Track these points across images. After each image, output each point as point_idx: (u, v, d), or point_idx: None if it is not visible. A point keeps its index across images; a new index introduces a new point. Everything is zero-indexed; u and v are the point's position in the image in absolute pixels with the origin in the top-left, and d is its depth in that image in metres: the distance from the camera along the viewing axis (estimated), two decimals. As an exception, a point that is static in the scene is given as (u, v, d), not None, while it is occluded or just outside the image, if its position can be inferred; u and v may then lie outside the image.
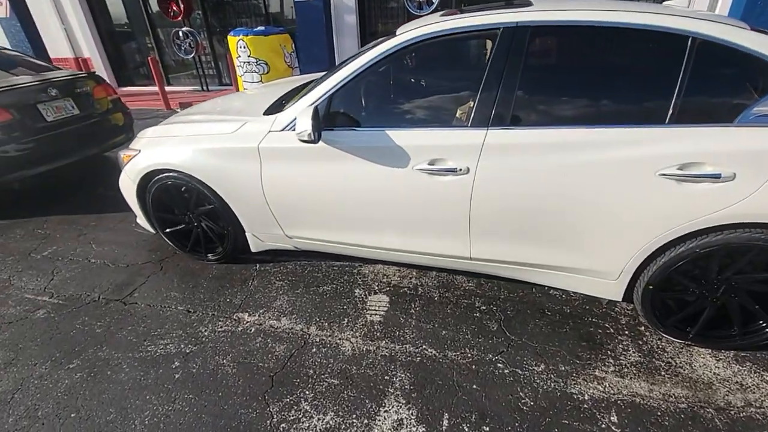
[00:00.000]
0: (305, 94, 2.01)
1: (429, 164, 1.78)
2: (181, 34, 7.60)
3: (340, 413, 1.60)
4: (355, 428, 1.54)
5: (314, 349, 1.91)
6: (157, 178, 2.32)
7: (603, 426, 1.51)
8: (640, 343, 1.86)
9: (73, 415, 1.65)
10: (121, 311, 2.21)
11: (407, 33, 1.80)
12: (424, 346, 1.89)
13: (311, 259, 2.55)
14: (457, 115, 1.87)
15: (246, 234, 2.38)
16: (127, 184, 2.45)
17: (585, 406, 1.59)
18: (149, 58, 6.86)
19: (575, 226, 1.72)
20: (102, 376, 1.82)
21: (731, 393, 1.61)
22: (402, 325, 2.02)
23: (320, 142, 1.86)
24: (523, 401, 1.62)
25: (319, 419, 1.58)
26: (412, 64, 2.12)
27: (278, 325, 2.07)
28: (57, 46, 8.90)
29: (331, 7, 6.30)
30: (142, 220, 2.62)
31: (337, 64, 2.90)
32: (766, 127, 1.43)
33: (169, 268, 2.57)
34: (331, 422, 1.57)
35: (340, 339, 1.96)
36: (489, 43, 1.76)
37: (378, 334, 1.98)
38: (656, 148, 1.52)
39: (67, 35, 8.83)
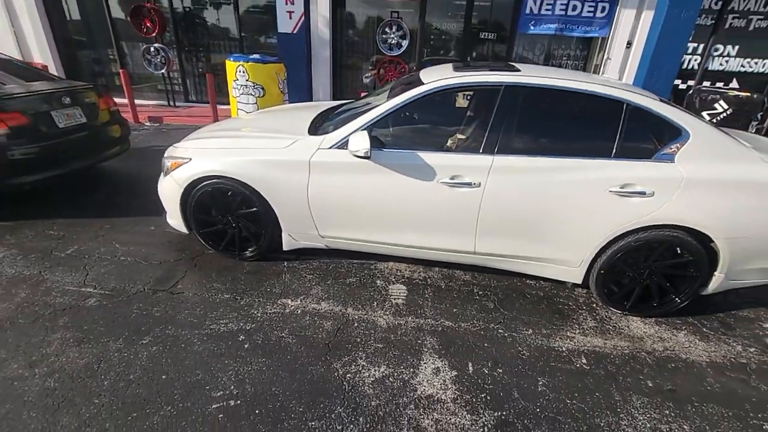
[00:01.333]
0: (349, 121, 2.54)
1: (450, 179, 2.38)
2: (152, 49, 7.68)
3: (390, 366, 2.07)
4: (405, 375, 2.02)
5: (356, 324, 2.35)
6: (205, 183, 2.66)
7: (577, 365, 2.14)
8: (594, 314, 2.56)
9: (163, 377, 1.92)
10: (172, 299, 2.47)
11: (435, 82, 2.43)
12: (441, 320, 2.43)
13: (333, 258, 2.98)
14: (466, 143, 2.51)
15: (282, 234, 2.77)
16: (172, 188, 2.73)
17: (563, 354, 2.22)
18: (120, 70, 6.87)
19: (551, 227, 2.41)
20: (177, 348, 2.10)
21: (655, 343, 2.35)
22: (421, 306, 2.54)
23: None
24: (521, 353, 2.21)
25: (375, 370, 2.03)
26: (434, 105, 2.76)
27: (319, 307, 2.48)
28: (3, 48, 8.40)
29: (312, 41, 6.90)
30: (176, 220, 2.87)
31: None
32: (669, 162, 2.25)
33: (202, 264, 2.85)
34: (385, 372, 2.03)
35: (374, 317, 2.42)
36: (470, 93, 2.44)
37: (404, 312, 2.48)
38: (606, 172, 2.27)
39: (17, 39, 8.40)
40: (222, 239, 2.86)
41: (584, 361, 2.18)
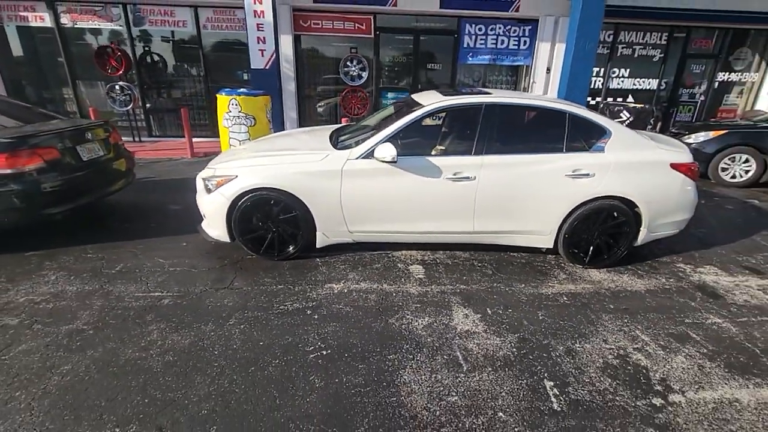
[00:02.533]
0: (368, 138, 3.22)
1: (453, 175, 3.14)
2: (117, 88, 7.80)
3: (431, 316, 2.70)
4: (444, 320, 2.67)
5: (393, 294, 2.97)
6: (251, 195, 3.15)
7: (561, 302, 2.94)
8: (564, 270, 3.41)
9: (260, 343, 2.39)
10: (235, 293, 2.91)
11: (435, 104, 3.22)
12: (457, 285, 3.12)
13: (356, 251, 3.57)
14: (461, 148, 3.29)
15: (316, 233, 3.32)
16: (219, 202, 3.18)
17: (550, 296, 3.01)
18: (90, 108, 6.95)
19: (528, 205, 3.25)
20: (261, 325, 2.56)
21: (609, 283, 3.23)
22: (438, 278, 3.22)
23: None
24: (521, 298, 2.96)
25: (422, 320, 2.66)
26: (434, 120, 3.52)
27: (360, 287, 3.06)
28: (-59, 91, 7.97)
29: (281, 76, 7.53)
30: (219, 231, 3.30)
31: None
32: (601, 152, 3.21)
33: (246, 267, 3.29)
34: (429, 320, 2.66)
35: (405, 288, 3.05)
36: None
37: (426, 283, 3.14)
38: (561, 162, 3.17)
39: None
40: (262, 244, 3.34)
41: (565, 298, 2.99)
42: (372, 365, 2.25)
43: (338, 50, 8.59)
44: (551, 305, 2.89)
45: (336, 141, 3.55)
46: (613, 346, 2.47)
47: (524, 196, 3.22)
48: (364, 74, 8.37)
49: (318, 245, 3.40)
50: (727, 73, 9.49)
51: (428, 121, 3.45)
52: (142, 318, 2.59)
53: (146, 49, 8.28)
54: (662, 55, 9.17)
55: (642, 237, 3.38)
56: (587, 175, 3.17)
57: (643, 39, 9.00)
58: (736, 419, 1.98)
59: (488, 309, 2.82)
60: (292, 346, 2.38)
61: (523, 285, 3.16)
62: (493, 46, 8.76)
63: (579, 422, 1.93)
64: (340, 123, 8.78)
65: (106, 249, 3.53)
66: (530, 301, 2.93)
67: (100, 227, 4.02)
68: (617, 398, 2.08)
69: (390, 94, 9.02)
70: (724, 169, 6.13)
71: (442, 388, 2.11)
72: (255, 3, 6.63)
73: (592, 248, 3.39)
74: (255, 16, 6.69)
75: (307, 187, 3.15)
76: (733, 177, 6.13)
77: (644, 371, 2.28)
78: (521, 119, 3.35)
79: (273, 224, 3.28)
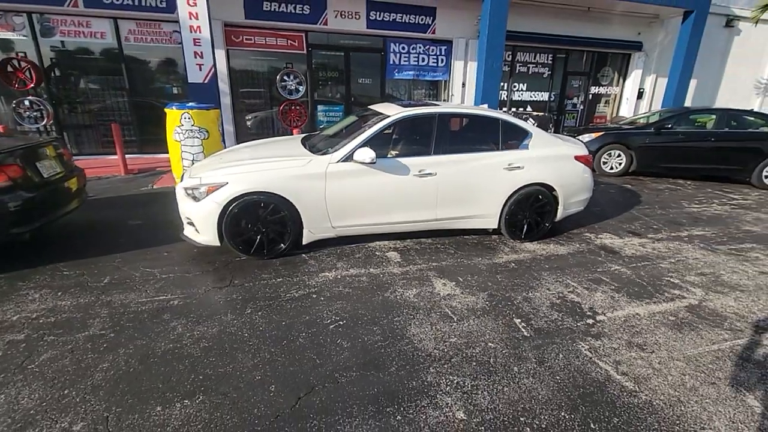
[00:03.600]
0: (344, 144, 3.70)
1: (419, 171, 3.78)
2: (27, 102, 7.10)
3: (417, 288, 3.27)
4: (428, 289, 3.25)
5: (380, 276, 3.48)
6: (242, 199, 3.42)
7: (510, 267, 3.72)
8: (507, 245, 4.25)
9: (283, 323, 2.73)
10: (240, 288, 3.16)
11: (399, 114, 3.83)
12: (429, 263, 3.74)
13: (336, 245, 4.00)
14: (421, 150, 3.94)
15: (303, 231, 3.69)
16: (211, 208, 3.39)
17: (501, 264, 3.78)
18: (1, 126, 6.27)
19: (477, 194, 4.02)
20: (276, 310, 2.89)
21: (541, 251, 4.13)
22: (413, 260, 3.80)
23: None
24: (481, 268, 3.68)
25: (411, 291, 3.21)
26: (399, 128, 4.09)
27: (351, 272, 3.51)
28: None
29: (219, 89, 7.55)
30: (208, 236, 3.48)
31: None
32: (526, 149, 4.12)
33: (239, 267, 3.53)
34: (416, 291, 3.22)
35: (390, 270, 3.58)
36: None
37: (404, 264, 3.70)
38: (500, 158, 4.01)
39: None
40: (251, 245, 3.60)
41: (513, 265, 3.78)
42: (384, 326, 2.74)
43: (273, 65, 8.84)
44: (504, 270, 3.65)
45: (311, 148, 3.97)
46: (554, 292, 3.29)
47: (474, 186, 3.99)
48: (302, 88, 8.73)
49: (304, 242, 3.76)
50: (597, 87, 11.77)
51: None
52: (158, 317, 2.74)
53: (54, 61, 7.65)
54: (550, 73, 11.06)
55: (560, 214, 4.36)
56: (519, 167, 4.04)
57: (534, 59, 10.78)
58: (638, 324, 2.87)
59: (459, 278, 3.48)
60: (311, 322, 2.76)
61: (480, 258, 3.89)
62: (416, 63, 9.77)
63: (543, 341, 2.65)
64: (281, 135, 9.01)
65: (82, 265, 3.47)
66: (489, 269, 3.66)
67: (64, 246, 3.86)
68: (564, 323, 2.86)
69: (323, 107, 9.50)
70: (604, 163, 7.75)
71: (443, 334, 2.68)
72: (191, 18, 6.65)
73: (525, 226, 4.27)
74: (191, 31, 6.70)
75: (295, 188, 3.53)
76: (611, 168, 7.77)
77: (578, 305, 3.11)
78: (466, 125, 4.13)
79: (262, 225, 3.57)
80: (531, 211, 4.23)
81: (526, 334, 2.72)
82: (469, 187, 3.99)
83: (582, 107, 11.77)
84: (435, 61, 9.89)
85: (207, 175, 3.52)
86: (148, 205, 5.20)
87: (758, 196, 6.73)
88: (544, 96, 11.20)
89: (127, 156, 7.35)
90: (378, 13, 8.95)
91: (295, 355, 2.42)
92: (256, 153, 4.09)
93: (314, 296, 3.10)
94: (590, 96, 11.74)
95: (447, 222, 4.11)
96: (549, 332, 2.75)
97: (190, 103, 5.48)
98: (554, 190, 4.21)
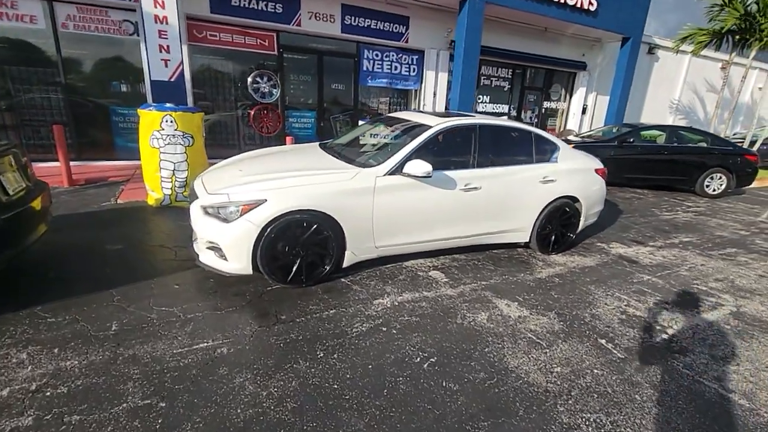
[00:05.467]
0: (389, 156, 3.37)
1: (465, 185, 3.57)
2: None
3: (483, 310, 3.05)
4: (496, 313, 3.04)
5: (440, 299, 3.19)
6: (282, 220, 2.92)
7: (557, 282, 3.65)
8: (538, 259, 4.20)
9: (369, 366, 2.32)
10: (292, 327, 2.66)
11: (441, 125, 3.59)
12: (479, 282, 3.54)
13: (372, 267, 3.61)
14: (465, 162, 3.74)
15: (345, 252, 3.27)
16: (247, 230, 2.84)
17: (546, 279, 3.70)
18: None
19: (516, 207, 3.92)
20: (352, 350, 2.46)
21: (570, 263, 4.14)
22: (460, 279, 3.57)
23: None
24: (530, 285, 3.57)
25: (480, 316, 2.97)
26: (440, 139, 3.81)
27: (405, 298, 3.17)
28: None
29: (186, 89, 6.67)
30: (241, 263, 2.92)
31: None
32: (555, 162, 4.13)
33: (276, 298, 3.00)
34: (484, 314, 3.00)
35: (444, 292, 3.31)
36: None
37: (455, 284, 3.45)
38: (536, 171, 3.96)
39: None
40: (288, 271, 3.09)
41: (557, 279, 3.73)
42: (480, 361, 2.46)
43: (241, 66, 8.07)
44: (553, 286, 3.58)
45: (344, 158, 3.57)
46: (612, 307, 3.27)
47: (514, 200, 3.88)
48: (275, 91, 8.08)
49: (345, 264, 3.34)
50: (549, 102, 12.62)
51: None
52: (213, 373, 2.17)
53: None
54: (509, 86, 11.60)
55: (581, 225, 4.44)
56: (552, 180, 4.02)
57: (497, 73, 11.23)
58: (706, 335, 2.94)
59: (518, 296, 3.32)
60: (400, 362, 2.39)
61: (522, 274, 3.78)
62: (389, 71, 9.61)
63: (640, 362, 2.57)
64: (244, 142, 8.25)
65: (71, 308, 2.69)
66: (538, 286, 3.56)
67: (35, 283, 2.99)
68: (644, 340, 2.82)
69: (295, 113, 8.91)
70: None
71: (543, 364, 2.48)
72: (155, 6, 5.76)
73: (553, 238, 4.27)
74: (156, 22, 5.80)
75: (341, 205, 3.11)
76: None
77: (643, 319, 3.11)
78: (503, 137, 4.02)
79: (302, 249, 3.09)
80: (558, 223, 4.24)
81: (620, 355, 2.63)
82: (510, 201, 3.87)
83: (536, 120, 12.51)
84: (407, 70, 9.82)
85: (237, 191, 2.96)
86: (120, 224, 4.32)
87: (706, 203, 7.59)
88: (504, 108, 11.70)
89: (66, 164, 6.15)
90: (353, 17, 8.64)
91: (407, 408, 2.05)
92: (281, 163, 3.57)
93: (384, 329, 2.72)
94: (543, 110, 12.54)
95: (485, 237, 3.95)
96: (638, 352, 2.68)
97: (168, 105, 4.70)
98: (579, 201, 4.27)
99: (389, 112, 10.16)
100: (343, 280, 3.38)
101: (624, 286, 3.68)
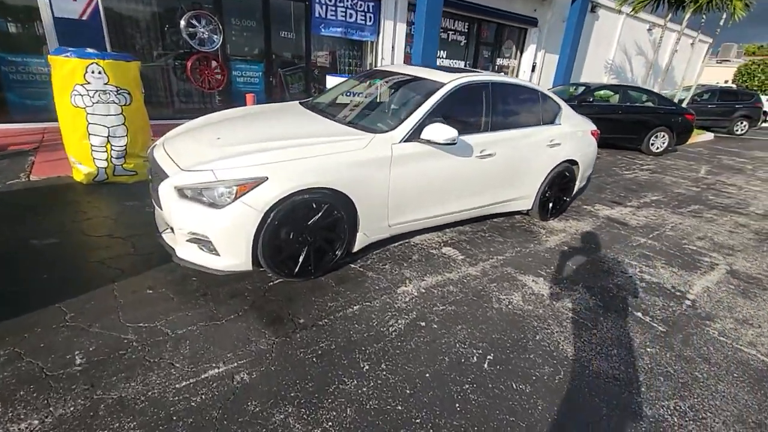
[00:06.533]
0: (405, 118, 2.86)
1: (480, 152, 3.20)
2: None
3: (514, 291, 2.81)
4: (528, 292, 2.82)
5: (465, 281, 2.88)
6: (288, 201, 2.34)
7: (566, 250, 3.54)
8: (540, 226, 4.06)
9: (426, 375, 1.97)
10: (319, 332, 2.19)
11: (455, 80, 3.12)
12: (495, 257, 3.29)
13: (379, 248, 3.18)
14: (480, 125, 3.33)
15: (357, 234, 2.79)
16: (246, 216, 2.23)
17: (555, 248, 3.57)
18: None
19: (526, 173, 3.67)
20: (397, 352, 2.08)
21: (571, 229, 4.06)
22: (475, 255, 3.29)
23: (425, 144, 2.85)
24: (546, 256, 3.40)
25: (514, 297, 2.74)
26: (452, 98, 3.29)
27: (429, 282, 2.82)
28: None
29: (103, 31, 5.31)
30: (238, 258, 2.32)
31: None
32: (559, 125, 3.90)
33: (286, 296, 2.48)
34: (517, 295, 2.77)
35: (466, 272, 3.00)
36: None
37: (473, 261, 3.17)
38: (544, 134, 3.70)
39: None
40: (294, 264, 2.56)
41: (566, 247, 3.60)
42: (537, 352, 2.23)
43: (170, 5, 6.63)
44: (565, 255, 3.45)
45: (350, 123, 2.98)
46: (630, 275, 3.23)
47: (525, 166, 3.62)
48: (217, 38, 6.81)
49: (356, 248, 2.87)
50: (501, 59, 12.47)
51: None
52: (242, 413, 1.67)
53: None
54: (465, 41, 11.18)
55: (575, 189, 4.35)
56: (558, 144, 3.80)
57: (453, 26, 10.71)
58: (721, 298, 3.01)
59: (539, 271, 3.13)
60: (457, 364, 2.07)
61: (532, 245, 3.60)
62: (343, 18, 8.63)
63: (681, 334, 2.53)
64: (179, 97, 7.04)
65: (4, 338, 1.94)
66: (553, 257, 3.40)
67: None
68: (674, 310, 2.80)
69: (240, 65, 7.71)
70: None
71: (599, 348, 2.32)
72: None
73: (551, 203, 4.14)
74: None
75: (355, 180, 2.59)
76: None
77: (661, 286, 3.10)
78: (513, 97, 3.65)
79: (309, 234, 2.55)
80: (557, 188, 4.10)
81: (661, 329, 2.56)
82: (521, 168, 3.60)
83: (490, 78, 12.36)
84: (363, 18, 8.90)
85: (225, 166, 2.29)
86: (44, 209, 3.34)
87: (653, 161, 8.10)
88: (461, 64, 11.33)
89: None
90: (303, -48, 7.46)
91: (490, 424, 1.75)
92: (268, 129, 2.88)
93: (422, 324, 2.36)
94: (497, 67, 12.39)
95: (493, 207, 3.67)
96: (675, 323, 2.64)
97: (90, 50, 3.60)
98: (577, 165, 4.14)
99: (346, 67, 9.32)
100: (353, 266, 2.92)
101: (628, 251, 3.68)
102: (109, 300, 2.29)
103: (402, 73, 3.52)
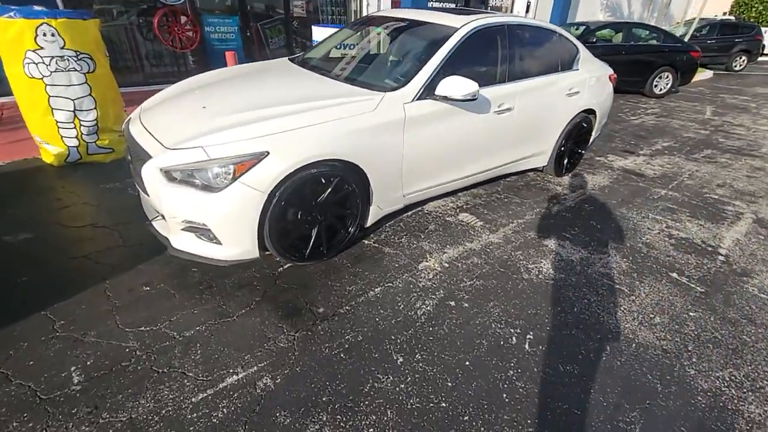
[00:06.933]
0: (415, 72, 2.50)
1: (498, 107, 2.88)
2: None
3: (541, 257, 2.62)
4: (553, 255, 2.64)
5: (488, 250, 2.68)
6: (296, 177, 2.05)
7: (587, 208, 3.34)
8: (551, 182, 3.82)
9: (466, 363, 1.80)
10: (343, 323, 1.99)
11: (470, 23, 2.73)
12: (515, 220, 3.07)
13: (394, 221, 2.94)
14: (495, 75, 2.97)
15: (370, 207, 2.52)
16: (249, 198, 1.94)
17: (574, 207, 3.36)
18: None
19: (543, 128, 3.37)
20: (431, 341, 1.91)
21: (588, 185, 3.84)
22: (494, 221, 3.07)
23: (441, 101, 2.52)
24: (567, 216, 3.20)
25: (542, 264, 2.55)
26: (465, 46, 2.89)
27: (451, 254, 2.60)
28: None
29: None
30: (242, 245, 2.06)
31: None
32: (577, 70, 3.55)
33: (299, 282, 2.25)
34: (546, 262, 2.58)
35: (488, 240, 2.79)
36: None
37: (493, 227, 2.95)
38: (562, 82, 3.36)
39: None
40: (305, 246, 2.31)
41: (586, 205, 3.40)
42: (578, 325, 2.07)
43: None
44: (588, 214, 3.25)
45: (351, 80, 2.61)
46: (656, 231, 3.06)
47: (543, 120, 3.32)
48: (184, -12, 6.06)
49: (369, 223, 2.61)
50: (492, 1, 11.62)
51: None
52: (271, 425, 1.48)
53: None
54: (456, -19, 10.32)
55: (591, 140, 4.08)
56: (577, 92, 3.48)
57: (442, -36, 9.80)
58: (753, 250, 2.87)
59: (563, 233, 2.94)
60: (496, 348, 1.90)
61: (548, 204, 3.39)
62: (323, -41, 7.77)
63: (719, 293, 2.40)
64: (146, 60, 6.42)
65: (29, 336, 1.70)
66: (575, 216, 3.20)
67: None
68: (709, 267, 2.66)
69: (211, 19, 6.97)
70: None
71: (640, 317, 2.17)
72: None
73: (566, 158, 3.88)
74: None
75: (366, 148, 2.28)
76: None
77: (691, 241, 2.95)
78: (531, 40, 3.25)
79: (319, 213, 2.28)
80: (573, 141, 3.82)
81: (700, 289, 2.42)
82: (540, 122, 3.30)
83: (482, 22, 11.58)
84: (344, -42, 8.04)
85: (216, 141, 1.95)
86: (11, 198, 2.98)
87: (656, 104, 7.79)
88: (451, 5, 10.52)
89: None
90: None
91: (543, 413, 1.60)
92: (260, 92, 2.49)
93: (452, 304, 2.17)
94: (489, 7, 11.56)
95: (508, 167, 3.40)
96: (713, 282, 2.50)
97: (37, 7, 3.07)
98: (594, 114, 3.83)
99: (329, 17, 8.55)
100: (367, 242, 2.68)
101: (649, 204, 3.49)
102: (101, 302, 2.03)
103: (405, 19, 3.09)
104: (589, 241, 2.85)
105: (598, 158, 4.59)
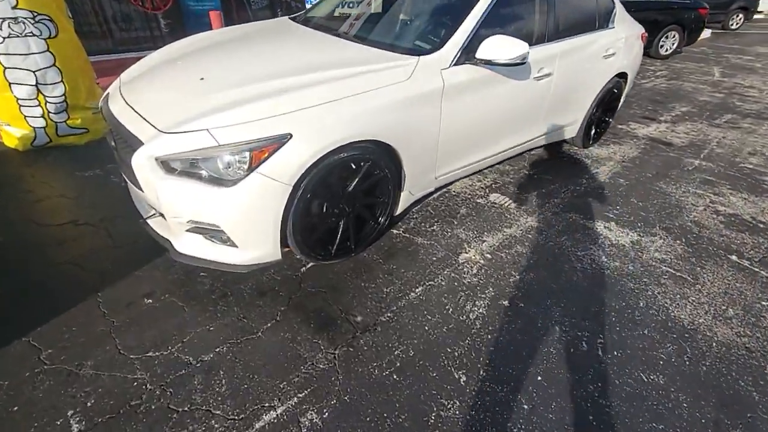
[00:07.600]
0: (450, 32, 2.11)
1: (538, 72, 2.52)
2: None
3: (589, 243, 2.37)
4: (605, 243, 2.39)
5: (529, 236, 2.41)
6: (321, 165, 1.69)
7: (623, 183, 3.07)
8: (579, 155, 3.53)
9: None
10: (390, 333, 1.71)
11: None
12: (552, 201, 2.79)
13: (421, 207, 2.62)
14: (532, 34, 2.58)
15: (401, 194, 2.19)
16: (271, 190, 1.59)
17: (609, 183, 3.09)
18: None
19: (579, 94, 3.04)
20: (498, 349, 1.64)
21: (616, 155, 3.56)
22: (528, 202, 2.78)
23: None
24: (605, 194, 2.93)
25: (592, 252, 2.30)
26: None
27: (491, 243, 2.32)
28: None
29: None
30: (263, 246, 1.72)
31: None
32: (613, 28, 3.17)
33: (328, 285, 1.94)
34: (594, 248, 2.33)
35: (526, 223, 2.52)
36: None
37: (530, 210, 2.67)
38: (599, 42, 2.99)
39: None
40: (332, 242, 1.98)
41: (621, 180, 3.13)
42: (649, 323, 1.84)
43: None
44: (625, 189, 2.98)
45: (373, 42, 2.20)
46: (701, 207, 2.82)
47: (580, 85, 2.98)
48: (152, -61, 5.28)
49: (399, 210, 2.29)
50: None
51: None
52: (328, 478, 1.22)
53: None
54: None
55: (618, 107, 3.77)
56: (613, 54, 3.12)
57: None
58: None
59: (606, 214, 2.68)
60: (565, 357, 1.66)
61: (584, 180, 3.11)
62: None
63: (786, 277, 2.21)
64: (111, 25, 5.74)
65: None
66: (613, 194, 2.93)
67: None
68: (762, 244, 2.45)
69: (186, -24, 6.20)
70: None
71: (713, 308, 1.96)
72: None
73: (594, 128, 3.57)
74: None
75: (400, 125, 1.92)
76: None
77: (738, 217, 2.73)
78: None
79: (347, 204, 1.94)
80: (602, 109, 3.49)
81: (765, 273, 2.22)
82: (577, 87, 2.96)
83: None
84: None
85: (224, 121, 1.56)
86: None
87: (663, 66, 7.48)
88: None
89: None
90: None
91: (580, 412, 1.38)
92: (267, 60, 2.07)
93: (506, 304, 1.90)
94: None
95: (543, 138, 3.06)
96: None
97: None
98: (626, 77, 3.50)
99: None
100: (396, 232, 2.37)
101: (686, 176, 3.24)
102: (96, 321, 1.69)
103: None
104: (635, 222, 2.61)
105: (620, 126, 4.30)
